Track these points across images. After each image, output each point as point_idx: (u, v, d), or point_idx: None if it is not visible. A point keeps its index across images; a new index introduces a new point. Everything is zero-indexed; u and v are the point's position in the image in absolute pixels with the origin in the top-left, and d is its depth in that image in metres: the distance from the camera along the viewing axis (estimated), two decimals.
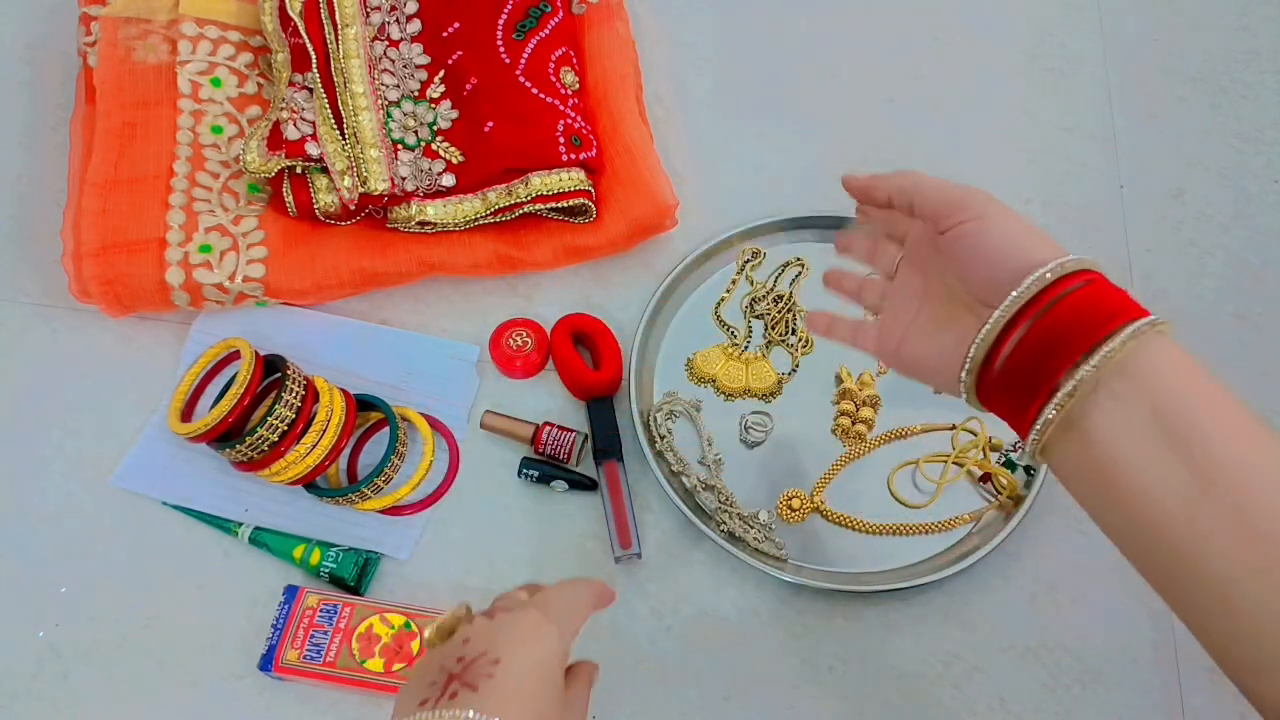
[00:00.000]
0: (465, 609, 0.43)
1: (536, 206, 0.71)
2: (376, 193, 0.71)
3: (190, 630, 0.62)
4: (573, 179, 0.72)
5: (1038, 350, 0.40)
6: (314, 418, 0.63)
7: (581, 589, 0.46)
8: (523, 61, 0.75)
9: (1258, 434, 0.38)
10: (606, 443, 0.67)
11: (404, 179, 0.72)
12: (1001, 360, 0.41)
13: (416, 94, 0.76)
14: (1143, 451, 0.38)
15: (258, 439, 0.61)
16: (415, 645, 0.59)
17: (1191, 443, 0.37)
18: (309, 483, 0.65)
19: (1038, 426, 0.40)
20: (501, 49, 0.76)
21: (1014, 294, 0.40)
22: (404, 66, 0.76)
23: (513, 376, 0.71)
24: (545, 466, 0.66)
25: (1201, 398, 0.39)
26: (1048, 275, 0.40)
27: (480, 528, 0.65)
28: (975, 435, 0.68)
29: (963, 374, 0.43)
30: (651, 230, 0.74)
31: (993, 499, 0.66)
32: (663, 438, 0.67)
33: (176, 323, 0.72)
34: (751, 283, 0.74)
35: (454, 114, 0.75)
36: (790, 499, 0.65)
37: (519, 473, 0.66)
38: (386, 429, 0.67)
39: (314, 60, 0.73)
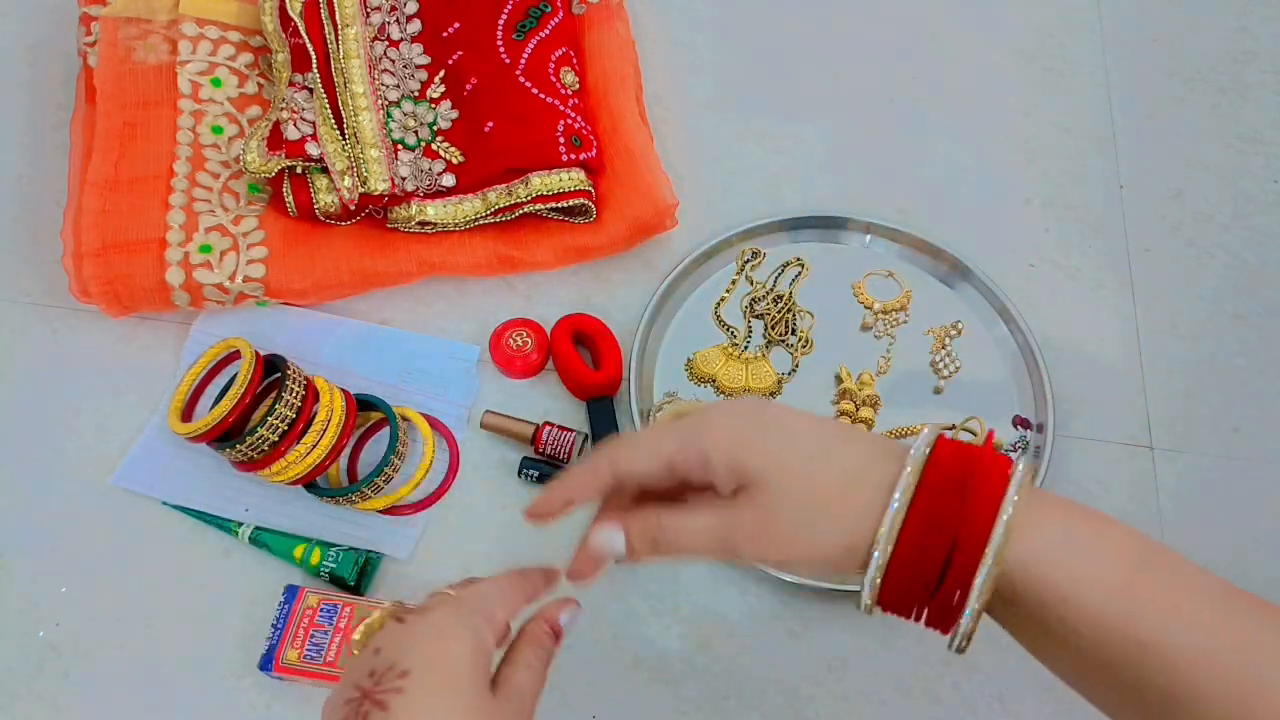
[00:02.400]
0: (397, 605, 0.41)
1: (536, 206, 0.71)
2: (377, 193, 0.71)
3: (190, 630, 0.62)
4: (573, 179, 0.72)
5: (922, 561, 0.36)
6: (314, 418, 0.63)
7: (507, 579, 0.42)
8: (523, 61, 0.75)
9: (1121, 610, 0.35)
10: None
11: (404, 179, 0.72)
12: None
13: (416, 94, 0.76)
14: (1039, 650, 0.38)
15: (258, 439, 0.61)
16: None
17: (1066, 637, 0.36)
18: (309, 483, 0.65)
19: (958, 639, 0.38)
20: (501, 49, 0.76)
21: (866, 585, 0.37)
22: (404, 66, 0.76)
23: (513, 376, 0.71)
24: (545, 466, 0.66)
25: (1064, 589, 0.35)
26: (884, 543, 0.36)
27: (480, 528, 0.65)
28: (975, 435, 0.68)
29: (867, 589, 0.38)
30: (651, 230, 0.74)
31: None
32: None
33: (176, 323, 0.72)
34: (751, 283, 0.74)
35: (454, 114, 0.76)
36: None
37: (519, 473, 0.66)
38: (386, 429, 0.67)
39: (314, 60, 0.73)
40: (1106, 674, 0.36)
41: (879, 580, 0.37)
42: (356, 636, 0.39)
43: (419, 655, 0.37)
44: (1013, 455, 0.39)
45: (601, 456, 0.42)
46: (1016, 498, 0.35)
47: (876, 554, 0.36)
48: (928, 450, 0.36)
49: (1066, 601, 0.35)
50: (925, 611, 0.38)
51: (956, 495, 0.35)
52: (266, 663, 0.58)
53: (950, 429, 0.68)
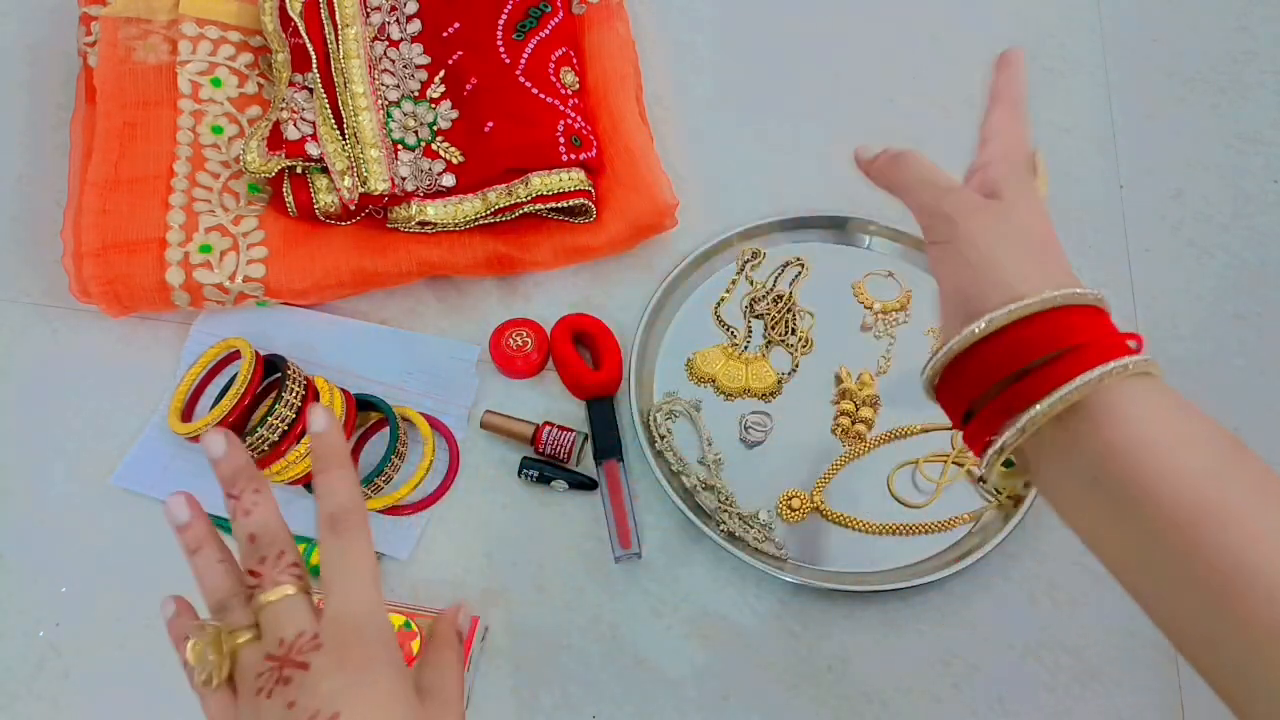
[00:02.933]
0: (214, 630, 0.39)
1: (536, 206, 0.71)
2: (377, 193, 0.71)
3: None
4: (573, 179, 0.72)
5: (997, 378, 0.39)
6: None
7: (349, 551, 0.40)
8: (523, 61, 0.75)
9: (1210, 485, 0.36)
10: (606, 443, 0.67)
11: (404, 179, 0.72)
12: (964, 378, 0.40)
13: (416, 94, 0.76)
14: (1084, 507, 0.38)
15: (258, 439, 0.61)
16: (415, 645, 0.59)
17: (1133, 501, 0.36)
18: (309, 482, 0.65)
19: (987, 457, 0.39)
20: (501, 49, 0.76)
21: (968, 329, 0.39)
22: (404, 66, 0.76)
23: (513, 376, 0.71)
24: (545, 466, 0.66)
25: (1153, 448, 0.37)
26: (1009, 312, 0.38)
27: (480, 528, 0.65)
28: None
29: (923, 376, 0.42)
30: (651, 230, 0.74)
31: (992, 499, 0.66)
32: (663, 438, 0.67)
33: (176, 323, 0.72)
34: (751, 283, 0.74)
35: (454, 114, 0.76)
36: (790, 499, 0.66)
37: (519, 473, 0.66)
38: (386, 429, 0.67)
39: (314, 60, 0.73)
40: (1163, 542, 0.36)
41: (935, 378, 0.40)
42: (191, 659, 0.37)
43: (345, 697, 0.35)
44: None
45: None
46: (1116, 367, 0.37)
47: (980, 326, 0.39)
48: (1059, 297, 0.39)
49: (1151, 449, 0.36)
50: (977, 414, 0.39)
51: (1096, 322, 0.39)
52: None
53: (950, 429, 0.68)
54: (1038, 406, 0.37)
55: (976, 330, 0.39)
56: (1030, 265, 0.41)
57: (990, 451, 0.39)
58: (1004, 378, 0.39)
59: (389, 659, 0.37)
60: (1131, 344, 0.40)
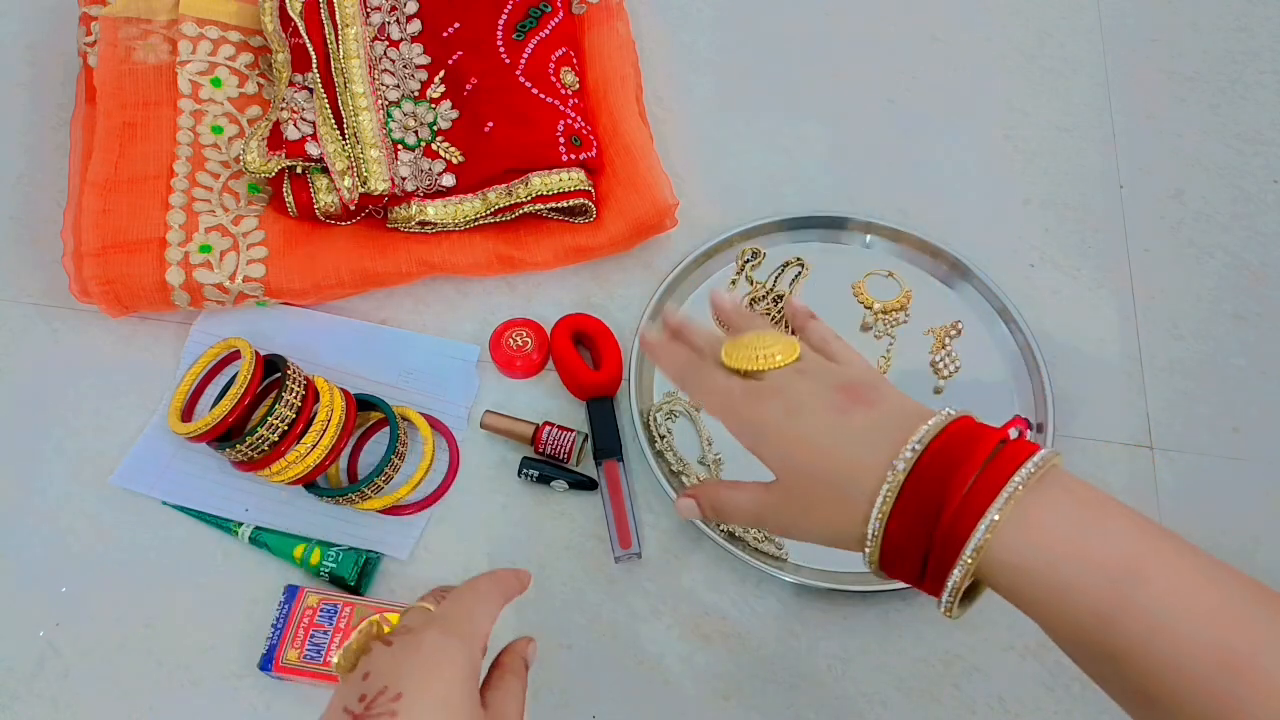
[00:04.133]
0: (375, 626, 0.40)
1: (536, 206, 0.71)
2: (377, 193, 0.71)
3: (190, 630, 0.62)
4: (573, 179, 0.72)
5: (915, 545, 0.39)
6: (314, 418, 0.63)
7: (485, 587, 0.43)
8: (523, 61, 0.75)
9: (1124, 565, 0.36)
10: (606, 442, 0.67)
11: (404, 179, 0.72)
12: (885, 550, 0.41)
13: (417, 94, 0.76)
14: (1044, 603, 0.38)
15: (258, 439, 0.61)
16: None
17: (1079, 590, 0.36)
18: (309, 483, 0.65)
19: (943, 602, 0.39)
20: (501, 49, 0.76)
21: (866, 550, 0.40)
22: (404, 67, 0.76)
23: (513, 376, 0.71)
24: (545, 466, 0.66)
25: (1067, 559, 0.36)
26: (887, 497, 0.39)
27: (480, 528, 0.65)
28: None
29: (868, 566, 0.42)
30: (651, 230, 0.74)
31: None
32: (663, 438, 0.67)
33: (176, 323, 0.72)
34: (751, 283, 0.74)
35: (454, 114, 0.76)
36: None
37: (519, 473, 0.66)
38: (386, 429, 0.67)
39: (314, 60, 0.73)
40: (1090, 664, 0.38)
41: (875, 561, 0.41)
42: (336, 660, 0.39)
43: (411, 678, 0.36)
44: (1029, 441, 0.39)
45: (693, 399, 0.52)
46: (996, 517, 0.37)
47: (866, 549, 0.41)
48: (910, 463, 0.39)
49: (1042, 609, 0.37)
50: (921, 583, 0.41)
51: (939, 500, 0.38)
52: (266, 663, 0.58)
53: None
54: (948, 584, 0.38)
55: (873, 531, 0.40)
56: (834, 504, 0.42)
57: (944, 598, 0.39)
58: (924, 535, 0.39)
59: (464, 660, 0.38)
60: (1012, 432, 0.40)
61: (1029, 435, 0.68)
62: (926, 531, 0.38)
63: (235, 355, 0.68)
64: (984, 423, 0.40)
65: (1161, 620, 0.35)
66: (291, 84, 0.73)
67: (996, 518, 0.36)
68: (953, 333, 0.72)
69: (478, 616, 0.41)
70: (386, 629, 0.40)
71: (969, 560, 0.37)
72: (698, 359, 0.48)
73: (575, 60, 0.78)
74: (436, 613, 0.40)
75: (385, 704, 0.35)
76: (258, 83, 0.77)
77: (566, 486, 0.66)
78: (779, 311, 0.73)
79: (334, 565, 0.62)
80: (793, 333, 0.72)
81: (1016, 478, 0.37)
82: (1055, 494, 0.37)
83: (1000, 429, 0.39)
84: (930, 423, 0.39)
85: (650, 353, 0.52)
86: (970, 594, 0.40)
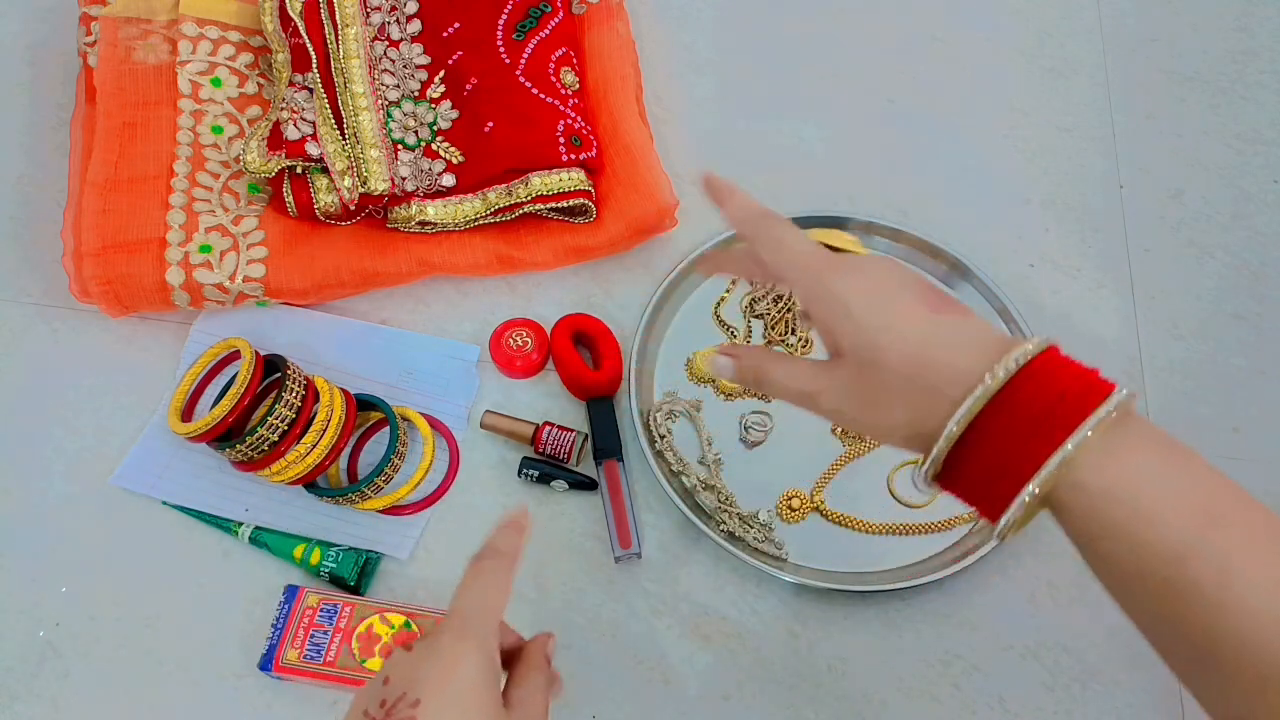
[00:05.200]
0: (405, 633, 0.42)
1: (536, 206, 0.71)
2: (377, 193, 0.71)
3: (190, 630, 0.62)
4: (573, 179, 0.72)
5: (989, 466, 0.38)
6: (314, 418, 0.63)
7: (489, 568, 0.42)
8: (523, 61, 0.75)
9: (1205, 514, 0.36)
10: (606, 442, 0.67)
11: (404, 179, 0.72)
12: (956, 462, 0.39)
13: (417, 94, 0.76)
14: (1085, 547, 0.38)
15: (258, 439, 0.61)
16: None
17: (1145, 535, 0.36)
18: (309, 482, 0.65)
19: (1007, 516, 0.38)
20: (502, 49, 0.76)
21: (937, 449, 0.38)
22: (404, 66, 0.76)
23: (513, 376, 0.71)
24: (545, 466, 0.66)
25: (1152, 491, 0.36)
26: (978, 396, 0.37)
27: (480, 528, 0.65)
28: None
29: (925, 470, 0.40)
30: (651, 230, 0.74)
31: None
32: (663, 438, 0.67)
33: (176, 323, 0.72)
34: (751, 283, 0.74)
35: (454, 114, 0.76)
36: (790, 499, 0.66)
37: (519, 473, 0.66)
38: (386, 429, 0.67)
39: (314, 60, 0.73)
40: (1151, 604, 0.37)
41: (938, 465, 0.39)
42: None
43: (429, 682, 0.37)
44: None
45: (761, 254, 0.45)
46: (1089, 433, 0.35)
47: (935, 450, 0.38)
48: (1010, 373, 0.37)
49: (1115, 540, 0.36)
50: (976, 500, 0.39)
51: (1029, 413, 0.36)
52: (266, 663, 0.58)
53: None
54: (1050, 462, 0.36)
55: (955, 422, 0.38)
56: (957, 348, 0.39)
57: (1009, 513, 0.38)
58: (1002, 447, 0.38)
59: (479, 659, 0.38)
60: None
61: None
62: (1006, 443, 0.37)
63: (235, 355, 0.68)
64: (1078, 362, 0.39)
65: (1233, 566, 0.34)
66: (291, 84, 0.73)
67: (1090, 434, 0.35)
68: None
69: (489, 608, 0.41)
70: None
71: (1050, 474, 0.36)
72: (772, 213, 0.44)
73: (575, 60, 0.78)
74: (450, 612, 0.41)
75: (405, 710, 0.36)
76: (258, 83, 0.77)
77: (566, 486, 0.66)
78: (779, 311, 0.73)
79: (334, 565, 0.62)
80: (793, 332, 0.72)
81: (1108, 404, 0.36)
82: (1142, 428, 0.37)
83: (1088, 367, 0.38)
84: (1032, 343, 0.38)
85: (715, 193, 0.46)
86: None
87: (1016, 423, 0.37)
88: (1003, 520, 0.38)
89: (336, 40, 0.75)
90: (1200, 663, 0.35)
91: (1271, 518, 0.35)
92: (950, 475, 0.40)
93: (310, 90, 0.73)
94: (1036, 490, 0.36)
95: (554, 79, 0.76)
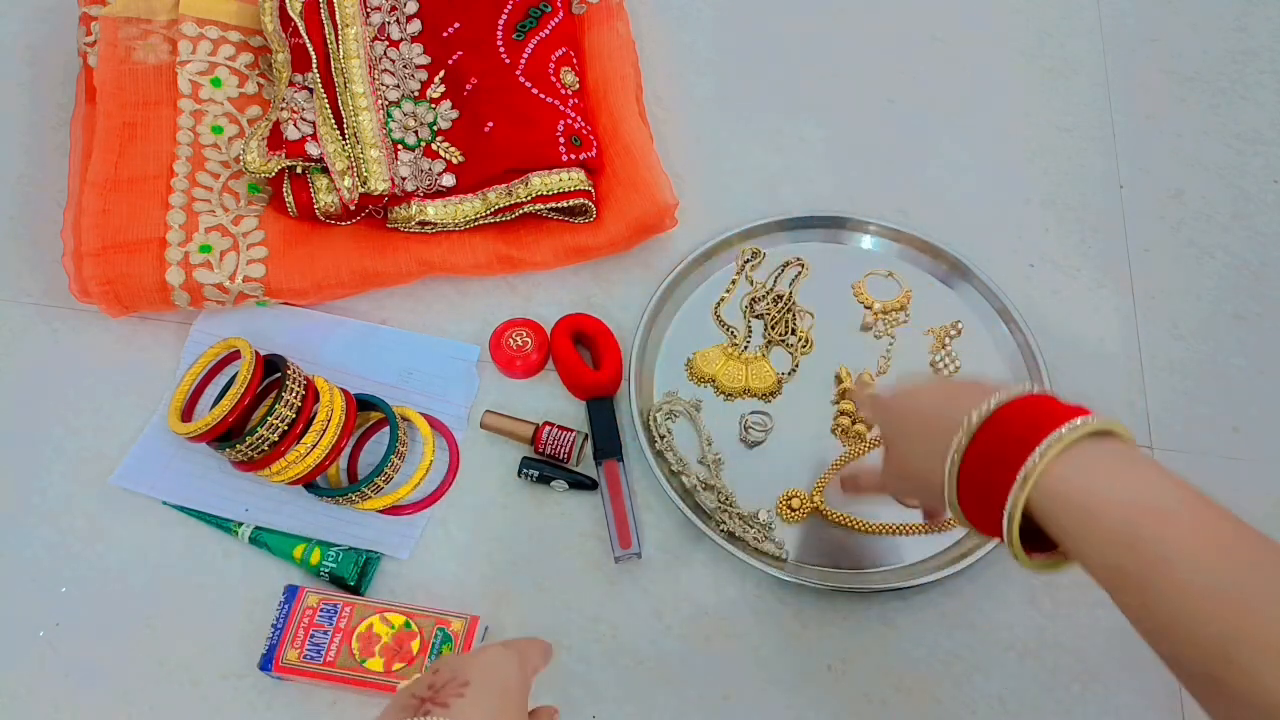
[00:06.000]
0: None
1: (536, 206, 0.71)
2: (377, 193, 0.71)
3: (190, 630, 0.62)
4: (573, 179, 0.72)
5: (983, 483, 0.44)
6: (314, 418, 0.63)
7: (538, 643, 0.48)
8: (523, 62, 0.75)
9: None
10: (606, 442, 0.67)
11: (404, 179, 0.72)
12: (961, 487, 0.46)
13: (417, 94, 0.76)
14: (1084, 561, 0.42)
15: (258, 439, 0.61)
16: (415, 645, 0.59)
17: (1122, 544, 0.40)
18: (309, 482, 0.65)
19: (1007, 537, 0.43)
20: (502, 49, 0.76)
21: (945, 476, 0.45)
22: (404, 67, 0.76)
23: (513, 376, 0.71)
24: (545, 466, 0.66)
25: (1104, 494, 0.41)
26: (962, 442, 0.44)
27: (480, 528, 0.65)
28: None
29: (946, 501, 0.47)
30: (651, 230, 0.74)
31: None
32: (663, 438, 0.67)
33: (176, 323, 0.72)
34: (751, 282, 0.74)
35: (454, 114, 0.76)
36: (790, 499, 0.65)
37: (519, 473, 0.66)
38: (386, 429, 0.67)
39: (314, 60, 0.73)
40: (1119, 595, 0.42)
41: (954, 499, 0.46)
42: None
43: (478, 670, 0.41)
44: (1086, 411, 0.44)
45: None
46: (1039, 459, 0.41)
47: (945, 487, 0.46)
48: (983, 416, 0.44)
49: (1078, 535, 0.41)
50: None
51: (1004, 441, 0.43)
52: (266, 663, 0.58)
53: None
54: (1004, 517, 0.43)
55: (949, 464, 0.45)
56: (925, 462, 0.47)
57: (1004, 525, 0.43)
58: (989, 474, 0.44)
59: (517, 668, 0.43)
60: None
61: None
62: (989, 472, 0.43)
63: (235, 355, 0.68)
64: (1065, 402, 0.45)
65: (1173, 550, 0.38)
66: (291, 84, 0.73)
67: (1050, 450, 0.41)
68: (953, 332, 0.72)
69: (533, 652, 0.46)
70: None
71: (1019, 492, 0.41)
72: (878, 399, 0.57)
73: (575, 60, 0.78)
74: (499, 642, 0.45)
75: (455, 688, 0.40)
76: (258, 83, 0.77)
77: (566, 486, 0.66)
78: (779, 311, 0.73)
79: (334, 565, 0.62)
80: (793, 332, 0.72)
81: (1067, 427, 0.41)
82: (1105, 442, 0.42)
83: (1077, 406, 0.43)
84: (1001, 393, 0.45)
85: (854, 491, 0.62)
86: (1053, 559, 0.44)
87: (995, 453, 0.43)
88: (1006, 539, 0.43)
89: (336, 40, 0.75)
90: (1164, 642, 0.40)
91: (1216, 510, 0.40)
92: (967, 504, 0.46)
93: (310, 90, 0.73)
94: (1014, 508, 0.42)
95: (554, 79, 0.76)
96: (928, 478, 0.47)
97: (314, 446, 0.63)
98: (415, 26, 0.78)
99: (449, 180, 0.73)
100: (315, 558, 0.63)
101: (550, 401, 0.70)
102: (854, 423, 0.68)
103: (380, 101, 0.75)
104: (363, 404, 0.67)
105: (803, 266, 0.75)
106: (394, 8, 0.78)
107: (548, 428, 0.67)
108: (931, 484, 0.47)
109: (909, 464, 0.51)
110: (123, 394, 0.69)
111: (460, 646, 0.58)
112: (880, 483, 0.56)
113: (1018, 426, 0.43)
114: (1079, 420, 0.42)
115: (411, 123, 0.75)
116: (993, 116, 0.83)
